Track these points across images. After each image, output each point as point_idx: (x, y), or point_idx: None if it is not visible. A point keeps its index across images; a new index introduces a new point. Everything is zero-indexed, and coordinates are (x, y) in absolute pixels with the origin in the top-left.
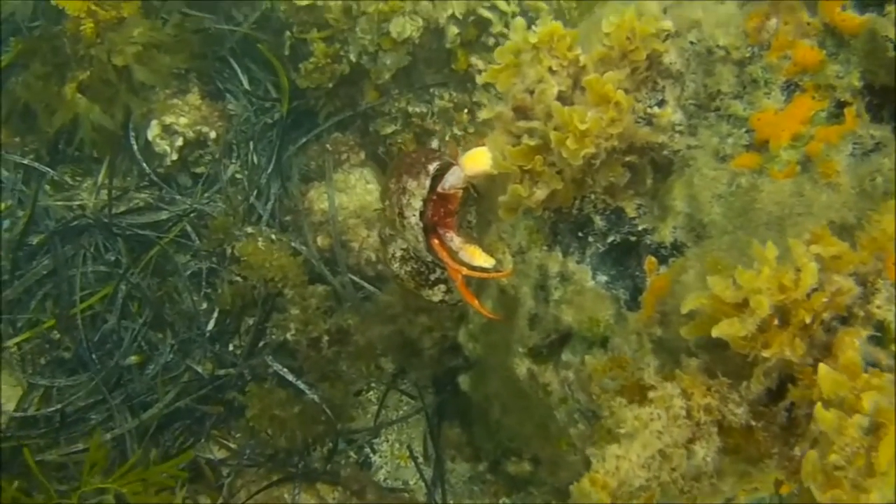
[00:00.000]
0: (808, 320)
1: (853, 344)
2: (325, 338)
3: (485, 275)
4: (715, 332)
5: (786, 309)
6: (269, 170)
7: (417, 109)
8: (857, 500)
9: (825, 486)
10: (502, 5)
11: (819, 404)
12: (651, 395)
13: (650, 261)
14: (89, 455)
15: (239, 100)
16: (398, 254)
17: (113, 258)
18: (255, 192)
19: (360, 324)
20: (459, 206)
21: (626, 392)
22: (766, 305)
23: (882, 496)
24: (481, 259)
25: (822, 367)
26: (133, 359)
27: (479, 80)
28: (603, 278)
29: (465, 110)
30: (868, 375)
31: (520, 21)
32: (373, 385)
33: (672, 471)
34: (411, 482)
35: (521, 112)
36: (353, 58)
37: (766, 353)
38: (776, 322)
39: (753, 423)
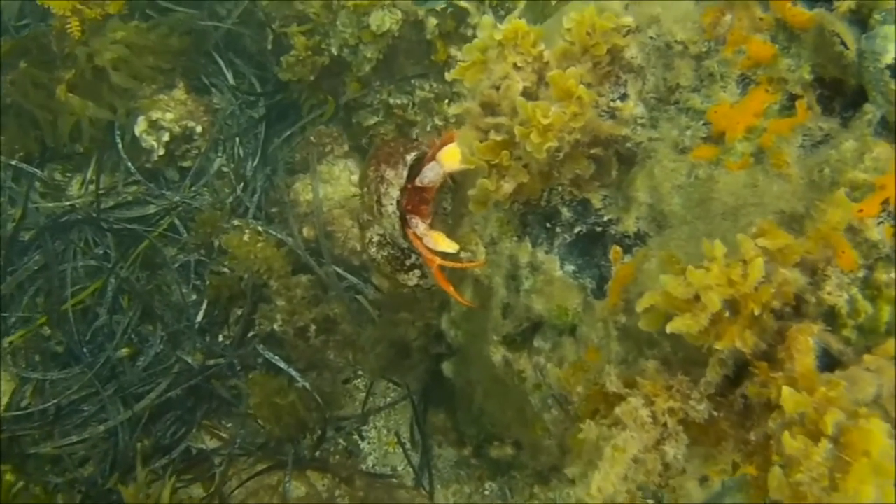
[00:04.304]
0: (757, 312)
1: (808, 345)
2: (313, 327)
3: (459, 265)
4: (669, 329)
5: (735, 301)
6: (255, 162)
7: (399, 101)
8: None
9: (793, 501)
10: None
11: (786, 433)
12: (618, 410)
13: (615, 250)
14: None
15: (224, 94)
16: (375, 239)
17: (102, 252)
18: (241, 185)
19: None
20: (435, 196)
21: (591, 401)
22: (717, 302)
23: None
24: (444, 244)
25: (785, 389)
26: (124, 351)
27: (448, 76)
28: (570, 268)
29: (446, 101)
30: (825, 388)
31: (486, 19)
32: (359, 373)
33: (648, 473)
34: (399, 468)
35: (489, 108)
36: (334, 51)
37: (718, 346)
38: (727, 314)
39: (715, 413)
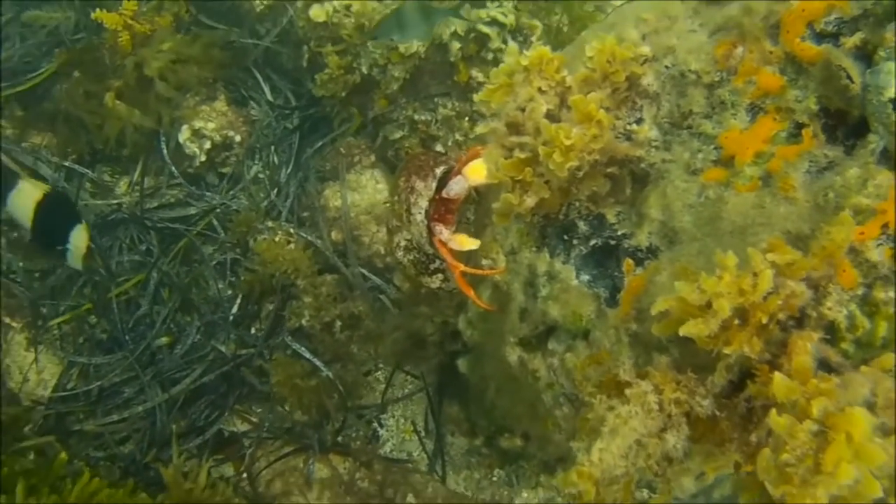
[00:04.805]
0: (764, 321)
1: (805, 348)
2: (338, 323)
3: (481, 272)
4: (682, 332)
5: (745, 310)
6: (289, 170)
7: (423, 117)
8: (805, 495)
9: (778, 482)
10: (500, 17)
11: (773, 410)
12: (627, 391)
13: (628, 262)
14: None
15: (262, 106)
16: (402, 244)
17: (145, 248)
18: (275, 191)
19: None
20: (459, 207)
21: (603, 387)
22: (727, 307)
23: (827, 492)
24: (468, 243)
25: (776, 375)
26: (163, 339)
27: (476, 98)
28: (586, 277)
29: (466, 118)
30: (817, 380)
31: (512, 46)
32: (380, 366)
33: (648, 457)
34: (415, 454)
35: (514, 128)
36: (364, 70)
37: (727, 350)
38: (736, 322)
39: (718, 413)
